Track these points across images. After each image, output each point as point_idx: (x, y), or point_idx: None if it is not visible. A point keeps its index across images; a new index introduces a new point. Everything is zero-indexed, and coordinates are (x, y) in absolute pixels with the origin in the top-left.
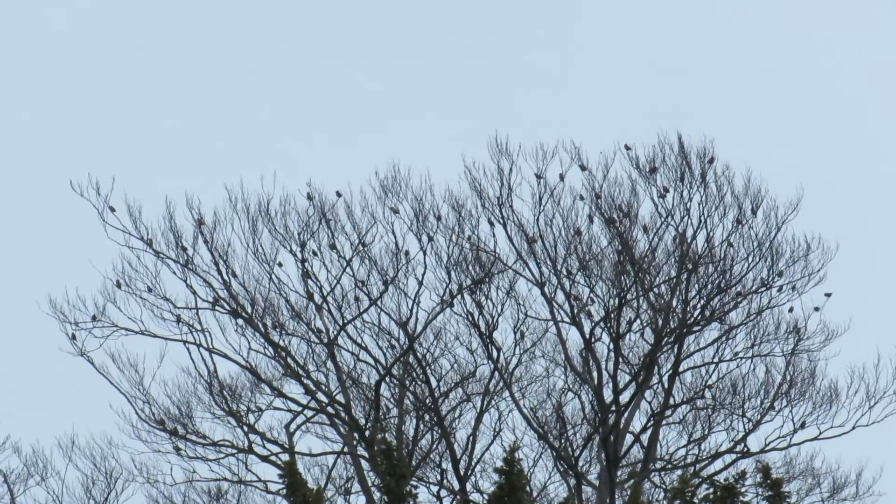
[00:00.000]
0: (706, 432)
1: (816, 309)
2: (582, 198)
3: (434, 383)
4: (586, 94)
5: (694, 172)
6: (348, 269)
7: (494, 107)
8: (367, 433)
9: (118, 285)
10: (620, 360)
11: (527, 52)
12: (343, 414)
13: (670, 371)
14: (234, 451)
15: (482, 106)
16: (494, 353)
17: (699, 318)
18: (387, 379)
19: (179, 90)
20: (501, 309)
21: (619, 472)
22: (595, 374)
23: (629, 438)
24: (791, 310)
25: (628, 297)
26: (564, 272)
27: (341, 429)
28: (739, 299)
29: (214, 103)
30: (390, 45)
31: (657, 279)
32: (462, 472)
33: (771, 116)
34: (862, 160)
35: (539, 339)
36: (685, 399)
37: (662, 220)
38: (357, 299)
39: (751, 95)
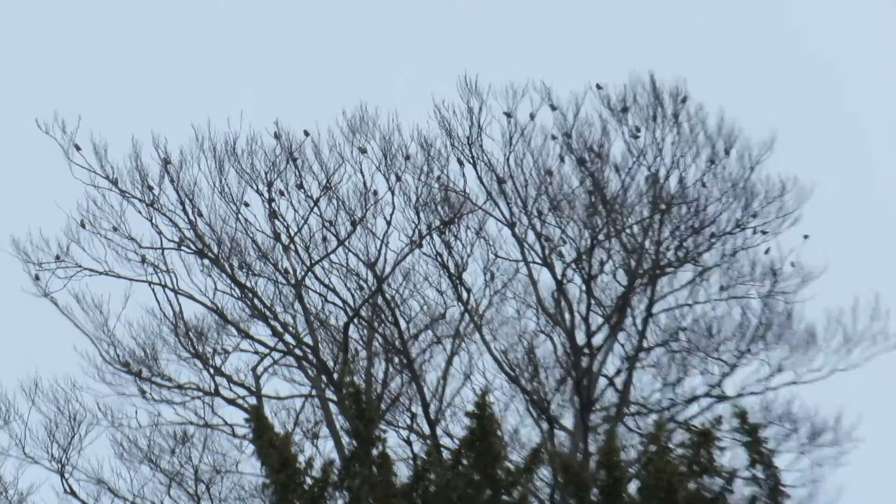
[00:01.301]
0: (681, 376)
1: (793, 265)
2: (553, 137)
3: (403, 325)
4: (557, 32)
5: (666, 112)
6: (316, 210)
7: (464, 45)
8: (335, 376)
9: (83, 225)
10: (593, 301)
11: None
12: (311, 356)
13: (644, 313)
14: (200, 393)
15: (452, 44)
16: (464, 295)
17: (673, 259)
18: (355, 321)
19: (147, 28)
20: (471, 250)
21: (592, 417)
22: (567, 316)
23: (603, 382)
24: (767, 251)
25: (600, 237)
26: (535, 213)
27: (309, 372)
28: (713, 240)
29: (183, 40)
30: None
31: (629, 220)
32: (432, 416)
33: (744, 55)
34: (837, 99)
35: (510, 281)
36: (659, 342)
37: (634, 159)
38: (325, 240)
39: (722, 32)
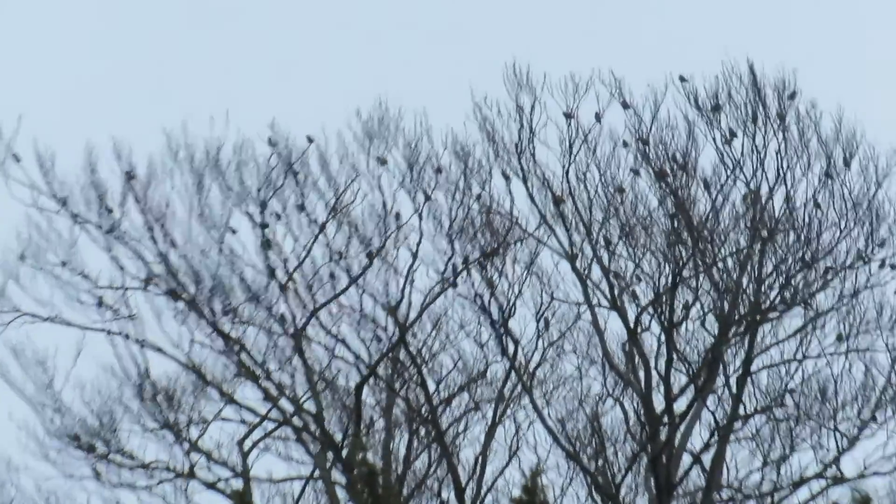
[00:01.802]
0: (787, 451)
1: None
2: (625, 144)
3: (432, 387)
4: (627, 9)
5: (770, 111)
6: (321, 238)
7: (511, 27)
8: (344, 452)
9: (22, 258)
10: (675, 356)
11: None
12: (313, 427)
13: (739, 371)
14: (172, 475)
15: (495, 26)
16: (510, 348)
17: (777, 301)
18: (370, 381)
19: (105, 9)
20: (519, 290)
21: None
22: (642, 374)
23: (686, 459)
24: None
25: (685, 273)
26: (602, 242)
27: (311, 446)
28: (829, 277)
29: (152, 24)
30: None
31: (722, 251)
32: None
33: (867, 42)
34: None
35: (568, 330)
36: (759, 408)
37: (729, 172)
38: (333, 277)
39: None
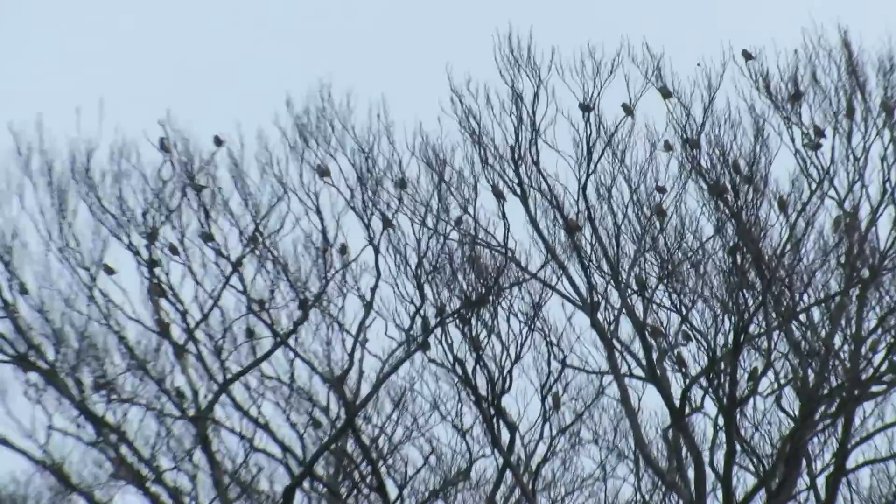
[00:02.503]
0: None
1: None
2: (668, 147)
3: (393, 492)
4: None
5: (872, 100)
6: (235, 279)
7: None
8: None
9: None
10: (738, 446)
11: None
12: None
13: (831, 467)
14: None
15: None
16: (505, 436)
17: (883, 369)
18: (305, 483)
19: None
20: (518, 353)
21: None
22: (691, 473)
23: None
24: None
25: (752, 330)
26: (634, 285)
27: None
28: None
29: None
30: None
31: (805, 297)
32: None
33: None
34: None
35: (587, 410)
36: None
37: (814, 187)
38: (251, 335)
39: None
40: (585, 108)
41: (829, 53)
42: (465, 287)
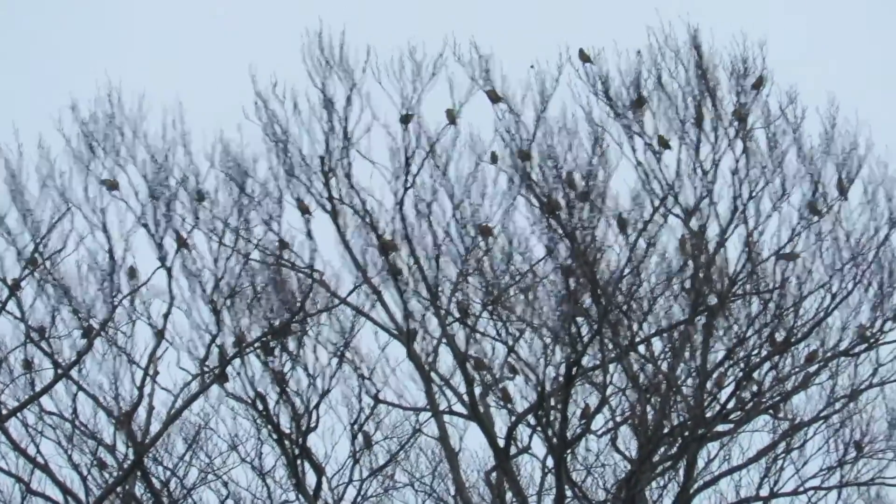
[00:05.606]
0: None
1: None
2: (494, 159)
3: None
4: None
5: (723, 107)
6: (10, 305)
7: None
8: None
9: None
10: (569, 492)
11: None
12: None
13: None
14: None
15: None
16: (311, 479)
17: (730, 406)
18: None
19: None
20: (326, 388)
21: None
22: None
23: None
24: None
25: (585, 362)
26: (456, 312)
27: None
28: (813, 369)
29: None
30: None
31: (645, 327)
32: None
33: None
34: None
35: (402, 450)
36: None
37: (657, 205)
38: (29, 366)
39: None
40: (405, 119)
41: (677, 55)
42: (266, 313)
